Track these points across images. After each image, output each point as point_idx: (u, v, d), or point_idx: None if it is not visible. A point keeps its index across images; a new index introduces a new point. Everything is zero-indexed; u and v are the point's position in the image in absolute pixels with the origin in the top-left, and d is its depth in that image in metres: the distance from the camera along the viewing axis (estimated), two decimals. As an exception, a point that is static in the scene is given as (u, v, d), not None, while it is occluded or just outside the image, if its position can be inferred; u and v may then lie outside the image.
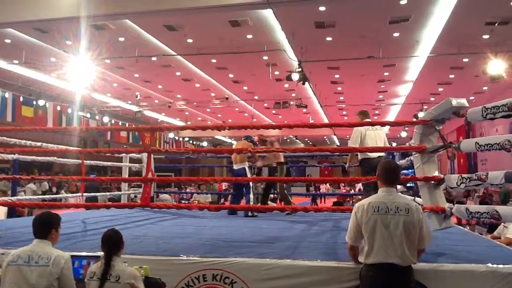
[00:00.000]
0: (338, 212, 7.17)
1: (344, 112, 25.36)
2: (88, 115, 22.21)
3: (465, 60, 14.35)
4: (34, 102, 18.69)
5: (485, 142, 4.05)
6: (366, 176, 6.25)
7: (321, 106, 22.60)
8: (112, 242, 3.28)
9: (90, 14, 10.03)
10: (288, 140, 36.64)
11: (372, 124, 6.17)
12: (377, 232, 3.18)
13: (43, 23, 11.47)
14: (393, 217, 3.19)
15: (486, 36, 12.15)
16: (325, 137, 33.23)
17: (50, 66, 15.46)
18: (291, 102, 19.98)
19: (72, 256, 3.34)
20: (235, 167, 7.95)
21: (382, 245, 3.16)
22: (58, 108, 20.36)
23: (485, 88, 17.75)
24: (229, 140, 40.31)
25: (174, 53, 14.53)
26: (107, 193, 12.19)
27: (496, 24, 11.35)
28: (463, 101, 4.19)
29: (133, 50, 13.82)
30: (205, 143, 39.41)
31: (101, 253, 3.29)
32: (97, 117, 22.87)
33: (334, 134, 30.53)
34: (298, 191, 22.71)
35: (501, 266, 3.45)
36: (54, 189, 19.16)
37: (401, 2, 10.30)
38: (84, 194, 8.64)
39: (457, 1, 10.03)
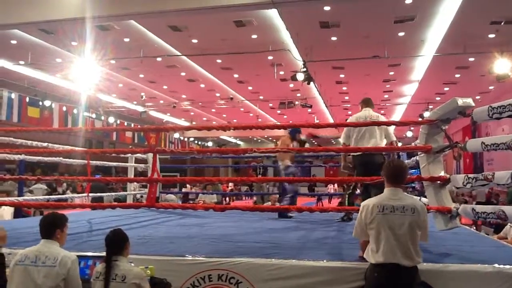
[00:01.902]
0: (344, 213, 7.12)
1: (349, 112, 25.26)
2: (94, 116, 22.27)
3: (471, 59, 14.30)
4: (40, 103, 18.76)
5: (491, 141, 4.03)
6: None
7: (326, 106, 22.58)
8: (112, 243, 3.28)
9: (95, 15, 10.08)
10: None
11: (366, 124, 5.72)
12: (382, 232, 3.17)
13: (48, 24, 11.52)
14: (398, 217, 3.18)
15: (491, 35, 12.10)
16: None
17: (55, 67, 15.53)
18: (296, 102, 19.96)
19: (78, 256, 3.34)
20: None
21: (388, 245, 3.14)
22: (64, 108, 20.42)
23: (491, 87, 17.67)
24: (234, 140, 40.32)
25: (179, 54, 14.56)
26: (113, 194, 12.23)
27: (501, 23, 11.30)
28: (469, 101, 4.18)
29: (138, 51, 13.87)
30: (210, 143, 39.48)
31: (107, 254, 3.30)
32: (102, 118, 22.94)
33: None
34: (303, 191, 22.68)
35: (507, 266, 3.44)
36: (61, 190, 19.26)
37: (406, 2, 10.28)
38: (90, 194, 8.67)
39: (462, 0, 9.99)
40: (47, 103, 18.88)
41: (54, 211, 3.46)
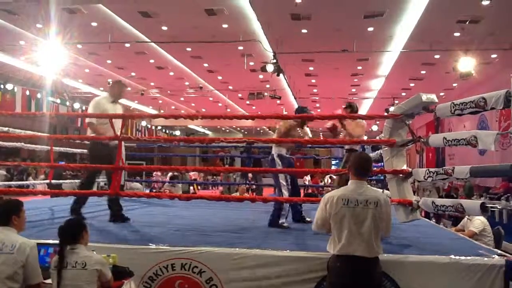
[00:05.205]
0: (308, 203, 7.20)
1: (317, 105, 25.51)
2: (58, 101, 21.70)
3: (437, 56, 14.60)
4: (2, 86, 18.14)
5: (452, 137, 4.15)
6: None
7: (294, 98, 22.69)
8: (64, 233, 3.25)
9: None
10: (262, 131, 36.73)
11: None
12: (345, 225, 3.22)
13: (11, 4, 11.10)
14: (362, 210, 3.23)
15: (457, 34, 12.38)
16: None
17: (19, 50, 15.01)
18: (265, 93, 19.98)
19: (39, 244, 3.28)
20: None
21: (350, 238, 3.20)
22: (27, 93, 19.81)
23: (455, 84, 18.11)
24: (202, 130, 40.09)
25: (148, 40, 14.32)
26: (76, 181, 11.95)
27: (467, 22, 11.56)
28: (433, 97, 4.28)
29: (106, 36, 13.54)
30: (178, 132, 39.13)
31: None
32: (67, 103, 22.38)
33: (307, 126, 30.70)
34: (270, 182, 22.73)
35: (463, 257, 3.57)
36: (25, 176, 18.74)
37: (376, -3, 10.40)
38: (53, 181, 8.47)
39: (430, -2, 10.18)
40: (9, 86, 18.27)
41: (8, 198, 3.37)
